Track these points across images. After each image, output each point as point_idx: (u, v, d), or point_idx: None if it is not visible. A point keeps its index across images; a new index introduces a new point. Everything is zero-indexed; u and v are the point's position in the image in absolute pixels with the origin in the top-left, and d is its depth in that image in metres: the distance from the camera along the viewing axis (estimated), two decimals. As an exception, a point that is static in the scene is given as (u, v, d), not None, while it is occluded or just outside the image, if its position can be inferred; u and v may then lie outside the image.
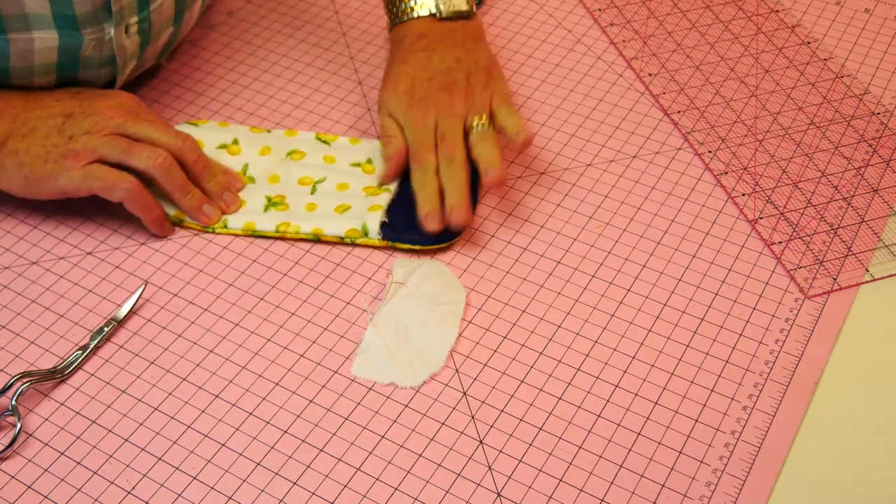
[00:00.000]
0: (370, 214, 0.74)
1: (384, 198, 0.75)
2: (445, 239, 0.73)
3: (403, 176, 0.76)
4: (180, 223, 0.75)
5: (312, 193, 0.76)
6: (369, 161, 0.78)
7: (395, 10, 0.84)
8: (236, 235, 0.74)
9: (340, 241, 0.73)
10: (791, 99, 0.85)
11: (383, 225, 0.73)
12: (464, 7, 0.82)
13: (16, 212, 0.76)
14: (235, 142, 0.80)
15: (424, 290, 0.69)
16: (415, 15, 0.82)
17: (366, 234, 0.73)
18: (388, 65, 0.82)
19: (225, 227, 0.74)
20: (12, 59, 0.72)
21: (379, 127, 0.80)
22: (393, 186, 0.76)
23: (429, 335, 0.67)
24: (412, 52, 0.80)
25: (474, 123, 0.75)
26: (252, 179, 0.77)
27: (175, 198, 0.73)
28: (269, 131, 0.81)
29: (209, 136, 0.80)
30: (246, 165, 0.78)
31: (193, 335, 0.68)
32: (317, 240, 0.74)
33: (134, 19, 0.76)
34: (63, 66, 0.74)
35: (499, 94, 0.78)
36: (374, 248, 0.73)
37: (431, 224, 0.72)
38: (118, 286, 0.71)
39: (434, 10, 0.82)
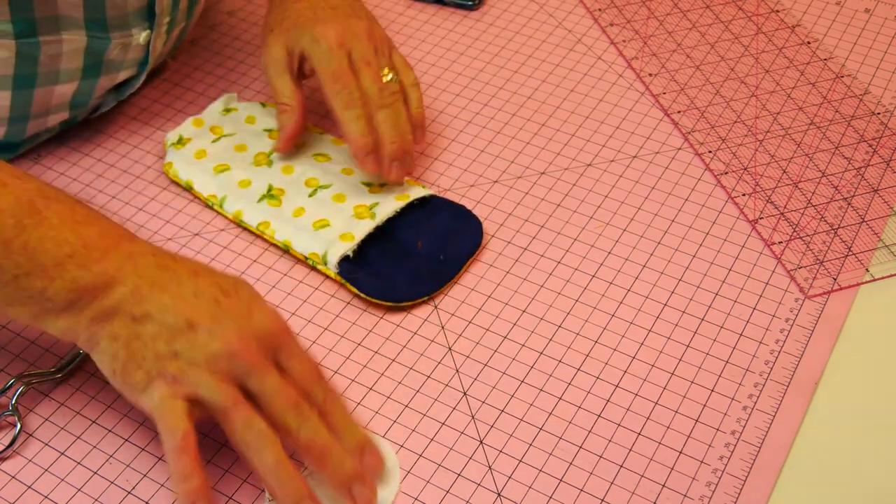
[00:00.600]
0: (338, 243, 0.70)
1: (363, 227, 0.71)
2: (408, 296, 0.69)
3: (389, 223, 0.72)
4: (190, 189, 0.76)
5: (311, 196, 0.74)
6: (381, 185, 0.75)
7: None
8: (237, 228, 0.74)
9: (304, 260, 0.72)
10: (791, 99, 0.85)
11: (345, 259, 0.70)
12: None
13: (16, 212, 0.76)
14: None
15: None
16: None
17: (325, 263, 0.70)
18: (273, 11, 0.77)
19: (221, 207, 0.74)
20: (41, 65, 0.71)
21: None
22: (378, 217, 0.72)
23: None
24: None
25: (384, 72, 0.70)
26: (270, 163, 0.77)
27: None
28: (322, 132, 0.80)
29: (268, 118, 0.81)
30: (272, 151, 0.77)
31: (193, 335, 0.68)
32: (286, 250, 0.73)
33: (167, 19, 0.76)
34: (87, 71, 0.74)
35: (398, 54, 0.76)
36: (331, 279, 0.71)
37: (370, 165, 0.69)
38: (118, 286, 0.71)
39: None
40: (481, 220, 0.74)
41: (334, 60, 0.72)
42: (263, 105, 0.82)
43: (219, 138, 0.79)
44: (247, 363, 0.55)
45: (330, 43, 0.72)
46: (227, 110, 0.82)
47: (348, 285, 0.70)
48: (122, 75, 0.77)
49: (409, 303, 0.69)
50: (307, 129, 0.80)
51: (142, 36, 0.75)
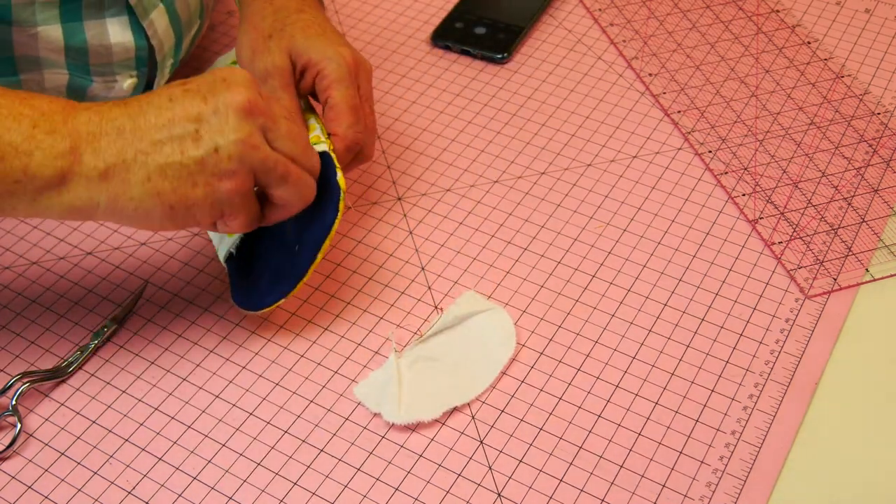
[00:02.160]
0: (226, 238, 0.68)
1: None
2: (262, 305, 0.66)
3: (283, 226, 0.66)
4: None
5: None
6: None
7: None
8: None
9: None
10: (791, 99, 0.85)
11: (230, 256, 0.68)
12: None
13: (16, 212, 0.77)
14: None
15: (479, 336, 0.67)
16: None
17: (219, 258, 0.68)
18: (265, 18, 0.71)
19: None
20: None
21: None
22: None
23: (452, 384, 0.64)
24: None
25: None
26: None
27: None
28: None
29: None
30: None
31: (194, 335, 0.68)
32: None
33: (170, 62, 0.76)
34: None
35: None
36: None
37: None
38: (118, 286, 0.71)
39: None
40: (480, 219, 0.74)
41: (352, 88, 0.69)
42: (234, 62, 0.78)
43: None
44: (263, 120, 0.58)
45: (349, 67, 0.69)
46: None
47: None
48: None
49: (269, 309, 0.66)
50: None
51: (126, 83, 0.74)
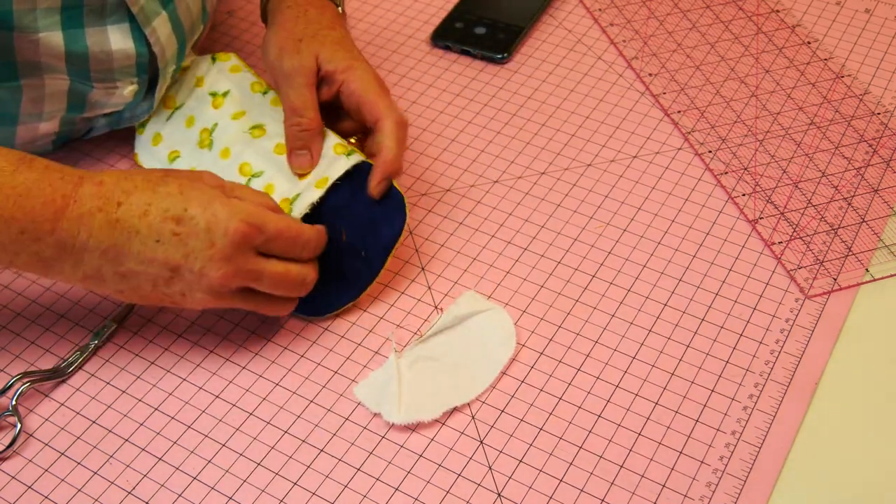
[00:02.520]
0: None
1: None
2: (329, 310, 0.69)
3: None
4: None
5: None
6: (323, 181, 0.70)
7: None
8: None
9: None
10: (791, 99, 0.85)
11: None
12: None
13: (16, 212, 0.76)
14: (226, 94, 0.77)
15: (479, 336, 0.67)
16: None
17: None
18: (297, 21, 0.74)
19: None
20: (23, 106, 0.71)
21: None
22: (295, 212, 0.69)
23: (452, 384, 0.65)
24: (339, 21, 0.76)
25: None
26: (210, 143, 0.75)
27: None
28: (264, 93, 0.77)
29: (215, 77, 0.78)
30: (215, 125, 0.75)
31: (194, 336, 0.68)
32: None
33: (172, 68, 0.76)
34: (71, 109, 0.74)
35: None
36: None
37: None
38: (118, 286, 0.71)
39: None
40: (480, 219, 0.74)
41: (383, 88, 0.71)
42: (213, 60, 0.80)
43: (172, 113, 0.78)
44: (242, 278, 0.62)
45: (374, 77, 0.71)
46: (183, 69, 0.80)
47: None
48: (109, 108, 0.77)
49: (333, 313, 0.69)
50: (247, 71, 0.78)
51: (127, 90, 0.75)
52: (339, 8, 0.78)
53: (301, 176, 0.71)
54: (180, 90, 0.79)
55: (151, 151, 0.77)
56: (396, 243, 0.69)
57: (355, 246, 0.69)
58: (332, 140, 0.71)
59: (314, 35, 0.72)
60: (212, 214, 0.60)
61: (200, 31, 0.80)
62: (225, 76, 0.78)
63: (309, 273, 0.65)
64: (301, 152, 0.70)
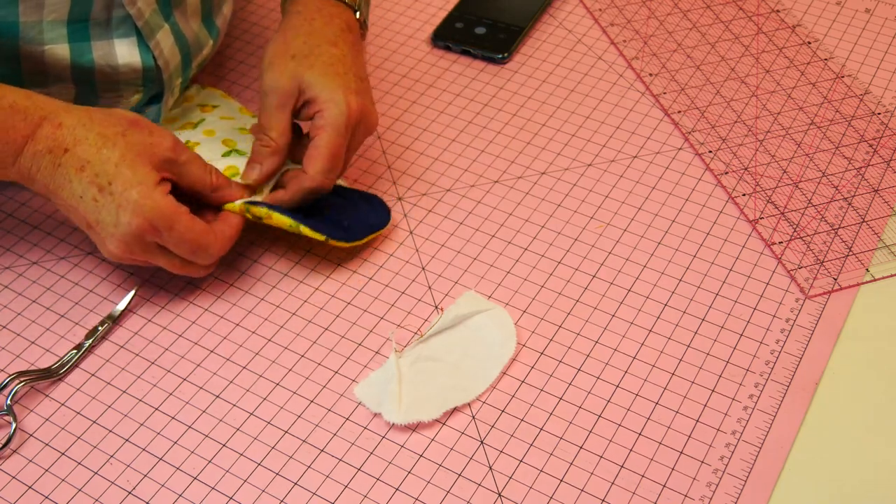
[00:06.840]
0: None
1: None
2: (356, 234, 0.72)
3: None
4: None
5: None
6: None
7: None
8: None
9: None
10: (792, 99, 0.85)
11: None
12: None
13: (16, 211, 0.76)
14: (216, 106, 0.79)
15: (479, 336, 0.67)
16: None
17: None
18: (297, 37, 0.72)
19: None
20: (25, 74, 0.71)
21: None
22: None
23: (452, 384, 0.65)
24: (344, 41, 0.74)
25: None
26: (194, 126, 0.77)
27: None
28: (251, 115, 0.79)
29: (205, 96, 0.81)
30: (202, 120, 0.77)
31: (194, 335, 0.68)
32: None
33: (178, 81, 0.76)
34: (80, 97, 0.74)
35: None
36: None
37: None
38: (118, 286, 0.71)
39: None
40: (481, 220, 0.74)
41: (342, 137, 0.69)
42: (202, 87, 0.83)
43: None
44: (136, 258, 0.67)
45: (349, 117, 0.69)
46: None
47: (303, 228, 0.69)
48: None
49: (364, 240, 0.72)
50: (218, 96, 0.81)
51: (133, 99, 0.75)
52: (358, 13, 0.76)
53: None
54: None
55: None
56: (381, 230, 0.73)
57: (338, 219, 0.72)
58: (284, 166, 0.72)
59: (308, 54, 0.70)
60: (126, 199, 0.63)
61: (210, 46, 0.80)
62: (214, 97, 0.81)
63: (200, 272, 0.69)
64: (254, 165, 0.71)
